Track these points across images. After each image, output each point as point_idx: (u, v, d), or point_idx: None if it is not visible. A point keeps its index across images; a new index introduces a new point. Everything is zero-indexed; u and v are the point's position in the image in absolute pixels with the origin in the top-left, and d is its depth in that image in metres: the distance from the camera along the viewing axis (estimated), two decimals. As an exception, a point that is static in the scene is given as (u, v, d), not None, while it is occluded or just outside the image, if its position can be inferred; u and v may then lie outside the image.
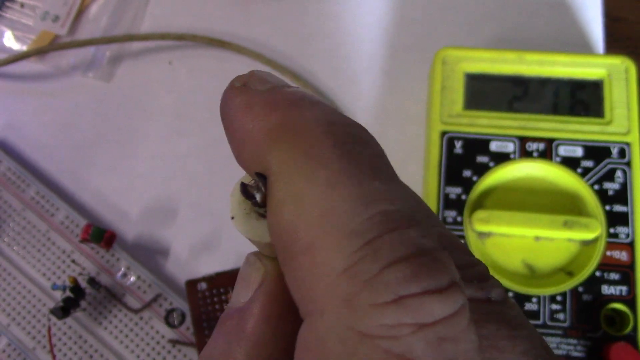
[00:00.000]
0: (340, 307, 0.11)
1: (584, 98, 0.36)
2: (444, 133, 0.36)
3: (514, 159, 0.35)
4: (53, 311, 0.35)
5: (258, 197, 0.13)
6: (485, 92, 0.37)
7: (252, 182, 0.13)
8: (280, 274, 0.14)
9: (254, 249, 0.15)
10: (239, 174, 0.14)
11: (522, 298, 0.33)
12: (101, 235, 0.36)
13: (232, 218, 0.14)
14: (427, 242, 0.12)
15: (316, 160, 0.12)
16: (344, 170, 0.12)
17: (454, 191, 0.35)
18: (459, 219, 0.34)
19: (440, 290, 0.11)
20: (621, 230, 0.34)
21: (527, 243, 0.34)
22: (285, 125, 0.13)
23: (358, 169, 0.12)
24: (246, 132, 0.13)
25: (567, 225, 0.33)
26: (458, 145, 0.35)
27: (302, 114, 0.13)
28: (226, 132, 0.15)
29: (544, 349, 0.14)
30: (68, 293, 0.35)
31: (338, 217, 0.12)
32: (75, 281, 0.36)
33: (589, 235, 0.33)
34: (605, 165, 0.35)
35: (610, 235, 0.33)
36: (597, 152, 0.35)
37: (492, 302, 0.14)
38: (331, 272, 0.11)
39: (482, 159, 0.35)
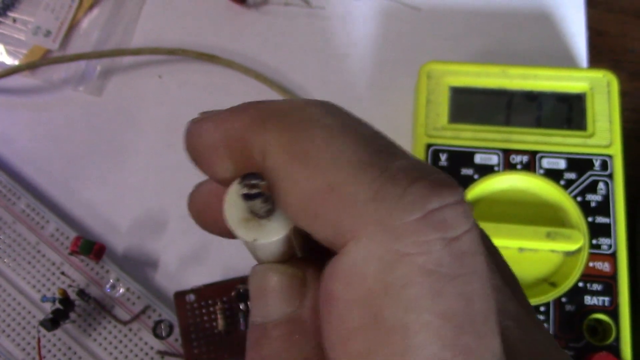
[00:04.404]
0: (375, 231, 0.12)
1: (566, 111, 0.37)
2: (429, 146, 0.36)
3: (498, 171, 0.35)
4: (42, 323, 0.35)
5: (262, 187, 0.13)
6: (470, 105, 0.37)
7: (244, 188, 0.14)
8: (320, 272, 0.13)
9: (246, 260, 0.15)
10: None
11: (506, 309, 0.33)
12: (90, 248, 0.37)
13: (255, 240, 0.14)
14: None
15: (307, 124, 0.13)
16: (335, 124, 0.13)
17: (439, 203, 0.35)
18: (444, 230, 0.35)
19: (456, 202, 0.12)
20: (603, 241, 0.34)
21: (511, 254, 0.34)
22: (265, 111, 0.14)
23: (345, 121, 0.14)
24: (230, 136, 0.14)
25: (550, 236, 0.34)
26: (443, 157, 0.36)
27: (273, 102, 0.14)
28: (202, 157, 0.15)
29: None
30: (57, 305, 0.35)
31: (348, 157, 0.13)
32: (64, 293, 0.36)
33: (572, 247, 0.34)
34: (587, 178, 0.35)
35: (592, 246, 0.34)
36: (579, 164, 0.35)
37: None
38: (359, 202, 0.12)
39: (466, 171, 0.36)
